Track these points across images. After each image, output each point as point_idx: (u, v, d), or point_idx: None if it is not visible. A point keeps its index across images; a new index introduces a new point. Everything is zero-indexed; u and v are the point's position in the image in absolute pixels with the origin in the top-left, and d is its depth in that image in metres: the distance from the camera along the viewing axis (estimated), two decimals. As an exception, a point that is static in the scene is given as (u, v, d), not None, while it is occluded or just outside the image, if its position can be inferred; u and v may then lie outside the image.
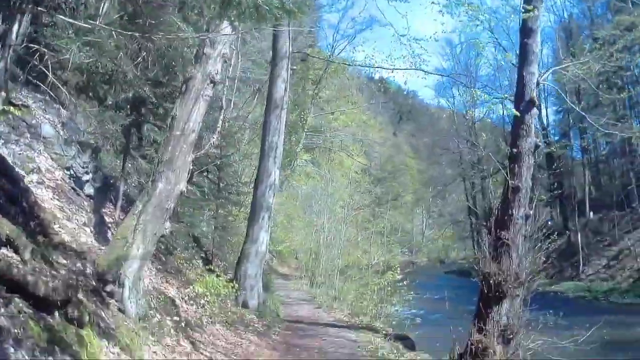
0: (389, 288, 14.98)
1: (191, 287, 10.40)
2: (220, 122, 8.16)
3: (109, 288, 7.21)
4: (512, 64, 11.79)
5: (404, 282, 14.52)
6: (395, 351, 11.18)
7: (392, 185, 55.25)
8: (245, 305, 13.42)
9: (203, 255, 14.98)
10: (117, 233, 7.59)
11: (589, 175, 40.94)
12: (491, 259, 11.33)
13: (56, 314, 5.36)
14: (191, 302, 10.53)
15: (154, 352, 7.36)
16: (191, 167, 7.74)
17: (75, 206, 8.82)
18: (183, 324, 9.13)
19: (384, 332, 13.46)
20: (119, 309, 7.22)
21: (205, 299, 10.65)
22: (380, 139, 58.35)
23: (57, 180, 8.81)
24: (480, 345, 10.98)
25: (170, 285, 10.54)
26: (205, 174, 17.17)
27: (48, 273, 5.64)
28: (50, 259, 6.24)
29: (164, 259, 11.55)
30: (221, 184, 17.07)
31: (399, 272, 14.94)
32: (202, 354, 8.71)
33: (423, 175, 67.12)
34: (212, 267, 14.39)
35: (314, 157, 41.11)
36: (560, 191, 39.06)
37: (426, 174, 66.08)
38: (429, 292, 24.74)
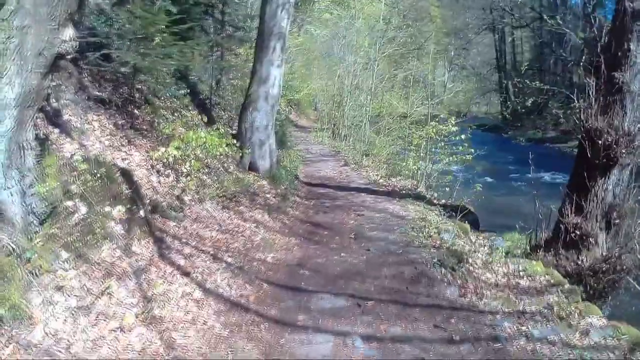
0: (442, 143, 10.76)
1: (163, 149, 6.37)
2: None
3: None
4: None
5: (462, 137, 10.35)
6: (462, 234, 7.43)
7: (414, 35, 49.12)
8: (253, 167, 9.47)
9: (197, 103, 10.79)
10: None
11: None
12: (599, 111, 7.35)
13: None
14: (167, 172, 6.61)
15: (59, 288, 3.56)
16: None
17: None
18: (142, 214, 5.25)
19: (435, 201, 9.69)
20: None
21: (188, 164, 6.72)
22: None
23: None
24: (577, 232, 7.32)
25: (135, 149, 6.57)
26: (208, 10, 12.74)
27: None
28: None
29: (130, 109, 7.46)
30: (225, 19, 12.69)
31: (454, 122, 10.67)
32: (169, 261, 4.94)
33: (447, 25, 60.10)
34: (212, 119, 10.40)
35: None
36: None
37: (450, 24, 59.14)
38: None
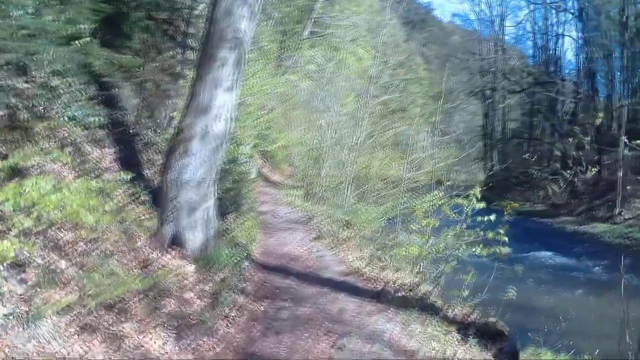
0: (464, 224, 7.15)
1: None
2: None
3: None
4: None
5: (491, 217, 6.89)
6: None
7: (401, 95, 47.59)
8: (177, 242, 6.09)
9: (118, 139, 7.48)
10: None
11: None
12: None
13: None
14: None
15: None
16: None
17: None
18: None
19: (450, 312, 6.43)
20: None
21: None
22: (393, 42, 49.82)
23: None
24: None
25: None
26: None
27: None
28: None
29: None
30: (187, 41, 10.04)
31: (479, 193, 7.28)
32: None
33: (433, 88, 59.42)
34: (135, 162, 7.14)
35: (319, 51, 33.33)
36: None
37: (436, 88, 58.36)
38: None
